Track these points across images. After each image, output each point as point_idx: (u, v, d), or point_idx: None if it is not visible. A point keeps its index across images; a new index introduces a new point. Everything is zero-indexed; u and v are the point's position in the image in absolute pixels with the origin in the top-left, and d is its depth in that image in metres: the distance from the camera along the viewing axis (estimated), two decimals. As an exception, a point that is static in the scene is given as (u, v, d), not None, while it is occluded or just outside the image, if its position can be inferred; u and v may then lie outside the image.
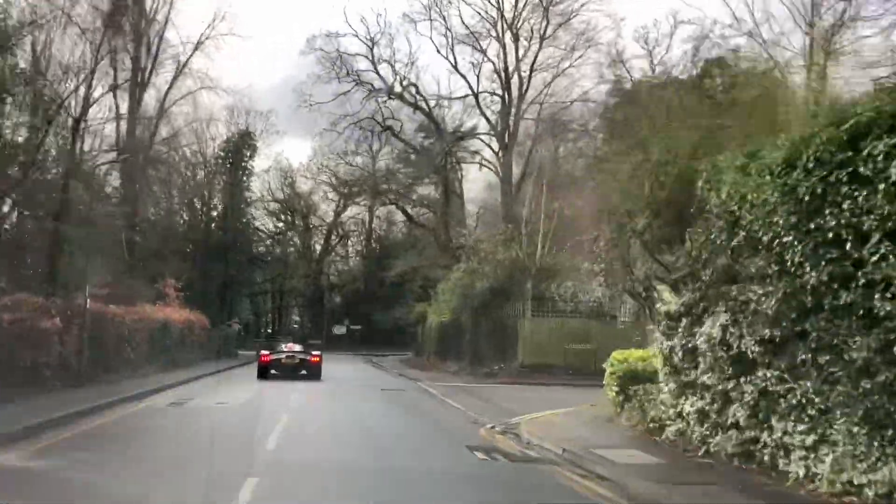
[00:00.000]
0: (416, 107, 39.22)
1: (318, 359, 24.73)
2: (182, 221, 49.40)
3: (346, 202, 70.47)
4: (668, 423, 9.78)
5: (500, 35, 37.17)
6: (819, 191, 6.63)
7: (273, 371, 24.39)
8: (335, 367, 36.99)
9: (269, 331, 75.51)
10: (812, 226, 6.73)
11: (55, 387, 15.36)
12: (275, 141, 58.17)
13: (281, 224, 70.87)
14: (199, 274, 46.79)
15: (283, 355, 24.87)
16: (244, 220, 53.64)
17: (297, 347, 26.69)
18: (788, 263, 7.01)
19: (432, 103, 38.47)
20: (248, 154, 52.73)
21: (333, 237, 72.94)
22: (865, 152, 6.15)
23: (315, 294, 70.66)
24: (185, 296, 38.77)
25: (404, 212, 43.52)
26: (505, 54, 37.15)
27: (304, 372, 24.42)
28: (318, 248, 73.23)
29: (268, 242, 69.99)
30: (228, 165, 50.84)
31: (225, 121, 50.86)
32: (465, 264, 27.37)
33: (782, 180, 7.13)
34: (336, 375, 26.64)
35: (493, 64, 37.86)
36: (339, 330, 68.31)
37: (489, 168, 38.75)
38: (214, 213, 52.39)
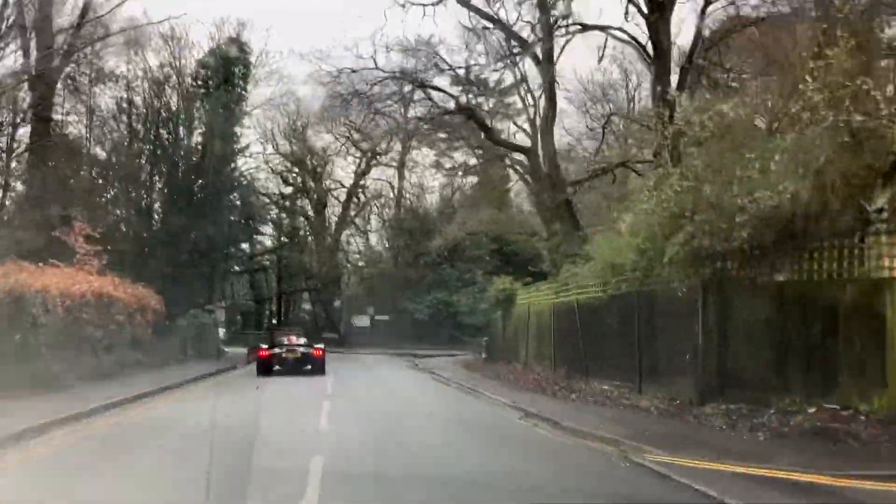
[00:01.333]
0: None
1: (321, 352, 22.60)
2: (143, 159, 34.22)
3: (369, 161, 55.44)
4: None
5: None
6: None
7: (277, 367, 21.84)
8: (368, 381, 21.85)
9: (274, 321, 60.81)
10: None
11: None
12: (278, 62, 42.82)
13: (289, 188, 55.72)
14: (161, 232, 31.91)
15: (284, 349, 22.22)
16: (234, 167, 38.38)
17: (300, 340, 23.78)
18: None
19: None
20: (241, 73, 37.59)
21: (353, 206, 57.52)
22: None
23: (330, 275, 55.40)
24: (136, 262, 24.42)
25: (479, 124, 27.81)
26: None
27: (308, 367, 22.10)
28: (335, 219, 57.81)
29: (271, 210, 55.13)
30: (211, 85, 35.67)
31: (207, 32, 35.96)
32: (678, 169, 12.06)
33: None
34: (401, 425, 11.85)
35: None
36: (361, 321, 53.29)
37: (627, 42, 23.23)
38: (193, 159, 37.30)
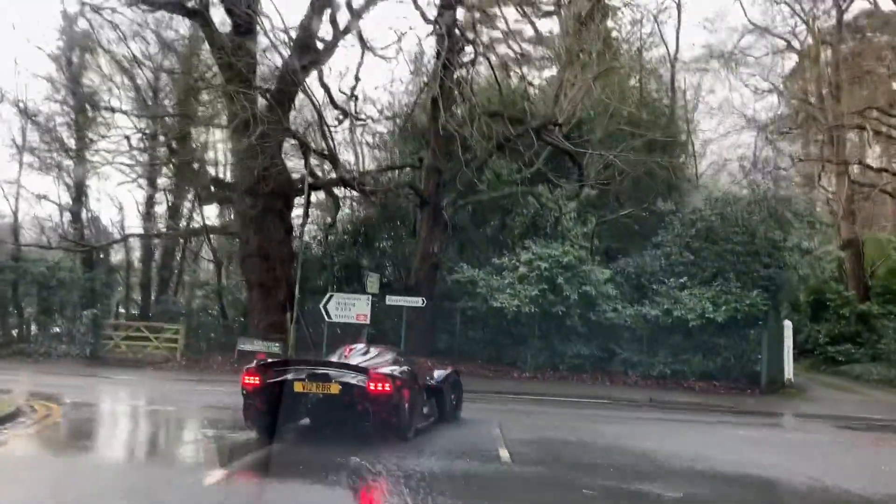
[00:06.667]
0: None
1: (387, 386, 8.58)
2: None
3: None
4: None
5: None
6: None
7: (294, 415, 9.44)
8: None
9: (120, 309, 26.86)
10: None
11: None
12: None
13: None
14: None
15: (304, 374, 8.87)
16: None
17: (368, 352, 10.05)
18: None
19: None
20: None
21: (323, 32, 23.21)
22: None
23: (271, 203, 21.40)
24: None
25: None
26: None
27: (357, 419, 8.99)
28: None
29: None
30: None
31: None
32: None
33: None
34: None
35: None
36: (348, 310, 20.05)
37: None
38: None
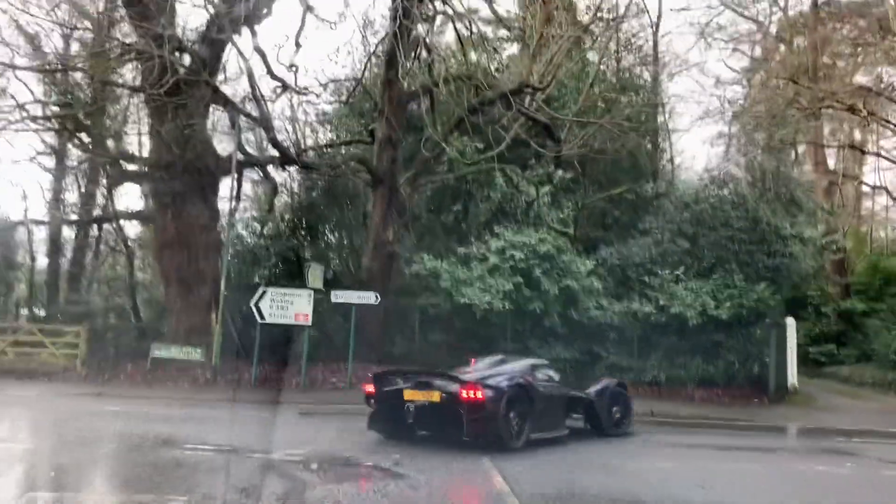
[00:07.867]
0: None
1: (478, 394, 8.76)
2: None
3: None
4: None
5: None
6: None
7: (400, 421, 9.35)
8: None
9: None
10: None
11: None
12: None
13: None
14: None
15: (411, 383, 9.52)
16: None
17: (495, 363, 10.53)
18: None
19: None
20: None
21: None
22: None
23: (195, 171, 17.86)
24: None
25: None
26: None
27: (454, 428, 8.93)
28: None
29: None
30: None
31: None
32: None
33: None
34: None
35: None
36: (285, 308, 16.65)
37: None
38: None
